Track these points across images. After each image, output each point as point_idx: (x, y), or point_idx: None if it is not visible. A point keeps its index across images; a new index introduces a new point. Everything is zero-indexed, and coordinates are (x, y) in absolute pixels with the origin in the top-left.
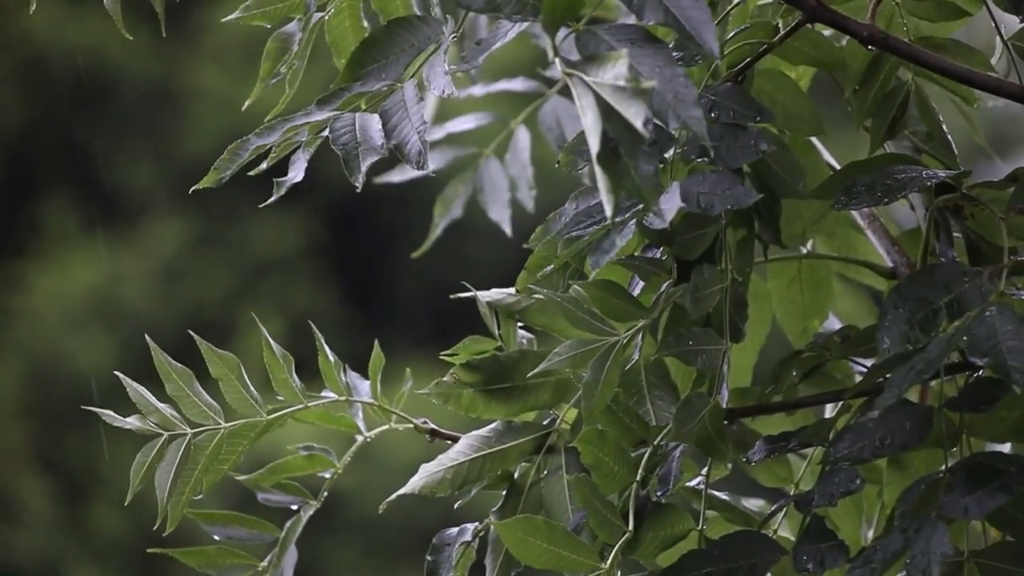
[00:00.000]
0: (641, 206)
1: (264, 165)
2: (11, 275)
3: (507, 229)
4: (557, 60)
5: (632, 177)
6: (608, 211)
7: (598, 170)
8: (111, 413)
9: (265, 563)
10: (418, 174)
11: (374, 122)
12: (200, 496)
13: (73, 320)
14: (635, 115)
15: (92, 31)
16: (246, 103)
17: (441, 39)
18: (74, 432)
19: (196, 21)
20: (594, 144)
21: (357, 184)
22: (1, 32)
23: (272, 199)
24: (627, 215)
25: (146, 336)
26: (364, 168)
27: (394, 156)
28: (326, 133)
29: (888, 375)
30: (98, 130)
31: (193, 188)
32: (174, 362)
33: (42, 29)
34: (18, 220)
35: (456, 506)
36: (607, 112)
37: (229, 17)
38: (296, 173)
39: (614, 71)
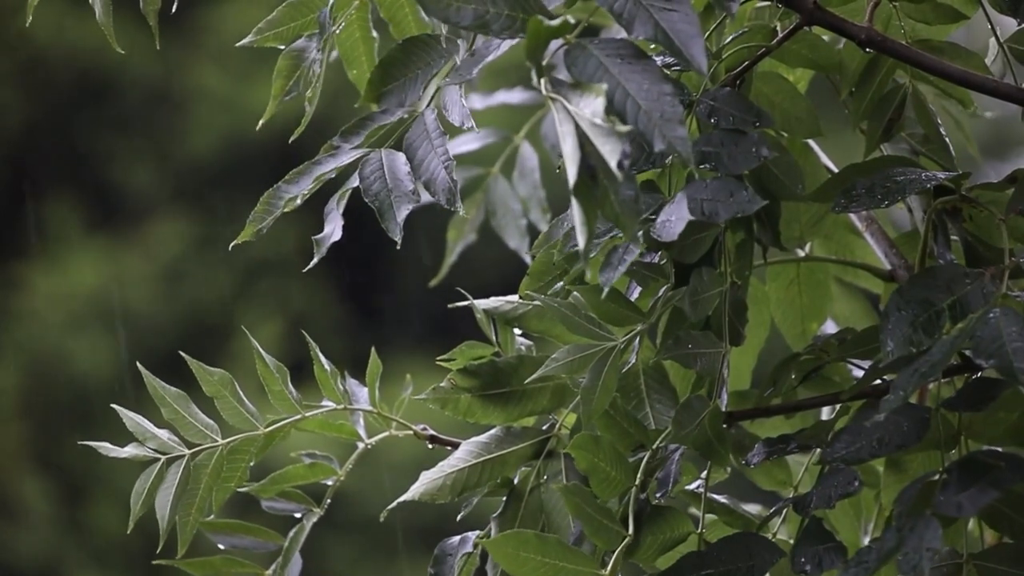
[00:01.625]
0: (645, 217)
1: (298, 202)
2: (12, 276)
3: (527, 257)
4: (543, 82)
5: (611, 203)
6: (581, 244)
7: (574, 202)
8: (107, 445)
9: (270, 572)
10: (430, 199)
11: (401, 162)
12: (212, 517)
13: (74, 321)
14: (610, 153)
15: (93, 31)
16: (260, 122)
17: (454, 61)
18: (74, 432)
19: (197, 21)
20: (572, 174)
21: (396, 238)
22: (2, 32)
23: (314, 261)
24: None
25: (138, 364)
26: (401, 219)
27: None
28: (356, 183)
29: (885, 377)
30: (99, 131)
31: (232, 244)
32: (167, 386)
33: (43, 29)
34: (19, 221)
35: (459, 518)
36: (585, 142)
37: (243, 41)
38: (333, 228)
39: (592, 107)
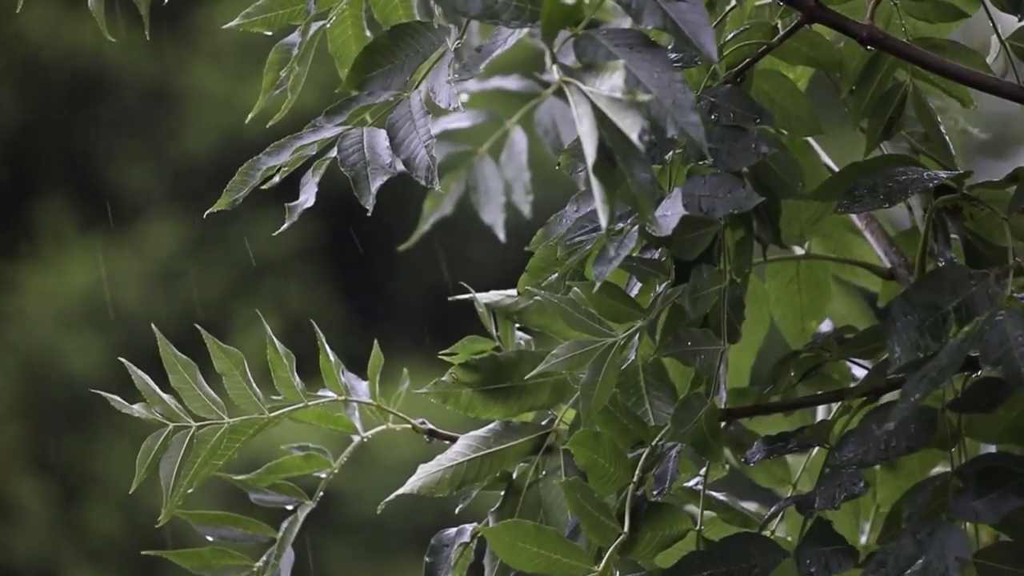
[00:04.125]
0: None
1: (276, 179)
2: (6, 275)
3: (500, 234)
4: (555, 67)
5: (628, 185)
6: (603, 222)
7: (594, 181)
8: (118, 399)
9: (260, 563)
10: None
11: (381, 138)
12: (192, 490)
13: (68, 321)
14: (631, 127)
15: (88, 31)
16: (249, 116)
17: (444, 48)
18: (69, 433)
19: (192, 21)
20: (590, 153)
21: (368, 207)
22: None
23: (285, 226)
24: (626, 223)
25: (152, 326)
26: (374, 190)
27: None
28: (334, 153)
29: (888, 376)
30: (94, 131)
31: (208, 212)
32: (179, 354)
33: (38, 29)
34: (13, 220)
35: (457, 510)
36: (603, 121)
37: (230, 24)
38: (307, 197)
39: (611, 82)
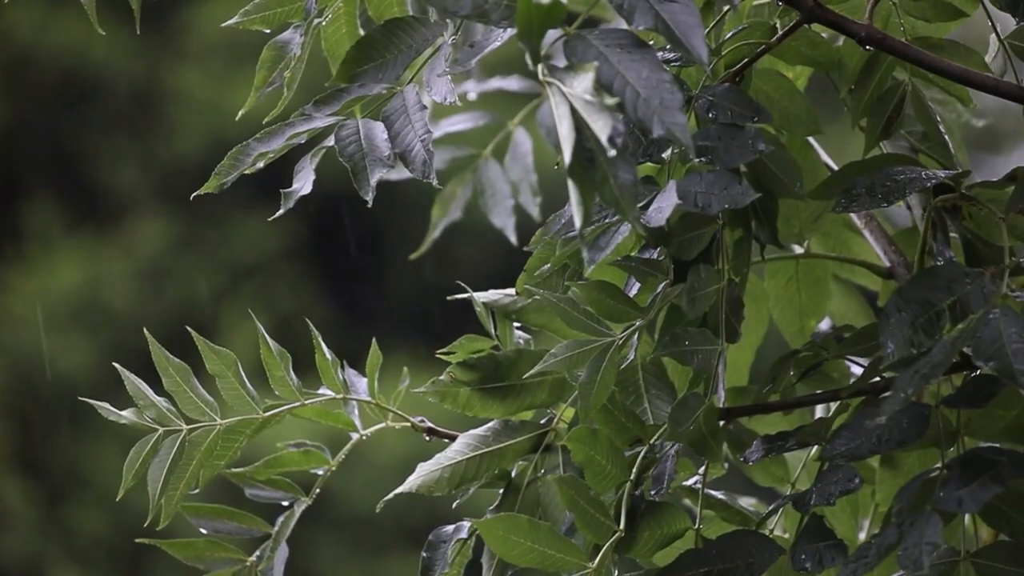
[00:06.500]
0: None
1: (260, 164)
2: None
3: (512, 237)
4: (539, 68)
5: (611, 186)
6: (578, 223)
7: (569, 182)
8: (107, 406)
9: (254, 558)
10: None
11: (379, 130)
12: (196, 491)
13: (56, 321)
14: (601, 129)
15: (74, 32)
16: (240, 112)
17: (440, 42)
18: (56, 433)
19: (179, 22)
20: (566, 155)
21: (368, 198)
22: None
23: (280, 212)
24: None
25: (144, 330)
26: (374, 182)
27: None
28: (330, 142)
29: (884, 373)
30: (81, 131)
31: (195, 194)
32: (172, 357)
33: (24, 30)
34: (1, 221)
35: (455, 505)
36: (580, 124)
37: (229, 22)
38: (303, 184)
39: (583, 84)
